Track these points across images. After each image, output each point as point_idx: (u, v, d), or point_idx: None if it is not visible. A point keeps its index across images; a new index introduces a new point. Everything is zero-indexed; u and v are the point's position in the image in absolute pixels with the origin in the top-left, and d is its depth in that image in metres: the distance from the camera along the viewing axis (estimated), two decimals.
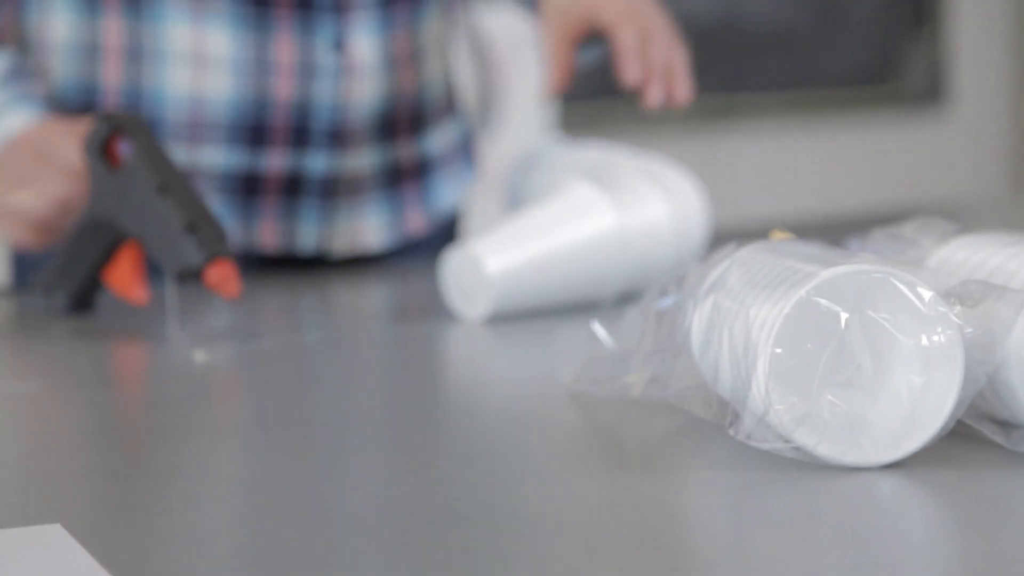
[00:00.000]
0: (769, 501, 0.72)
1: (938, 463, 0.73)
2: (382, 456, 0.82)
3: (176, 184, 1.09)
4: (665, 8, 1.34)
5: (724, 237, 0.91)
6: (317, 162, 1.31)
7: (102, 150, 1.12)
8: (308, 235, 1.33)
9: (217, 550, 0.67)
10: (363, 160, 1.35)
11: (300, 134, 1.30)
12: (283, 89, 1.28)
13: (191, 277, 1.07)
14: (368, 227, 1.36)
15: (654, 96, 1.27)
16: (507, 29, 2.79)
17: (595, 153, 1.30)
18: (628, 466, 0.79)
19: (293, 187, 1.31)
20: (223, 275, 1.06)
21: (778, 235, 0.98)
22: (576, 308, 1.14)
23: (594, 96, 2.91)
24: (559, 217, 1.16)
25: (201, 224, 1.07)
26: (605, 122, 3.10)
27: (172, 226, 1.07)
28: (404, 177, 1.38)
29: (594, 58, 1.33)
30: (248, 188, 1.30)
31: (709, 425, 0.80)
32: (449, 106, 1.44)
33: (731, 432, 0.75)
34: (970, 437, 0.75)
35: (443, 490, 0.74)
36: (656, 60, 1.28)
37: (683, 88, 1.29)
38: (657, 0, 1.33)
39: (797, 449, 0.73)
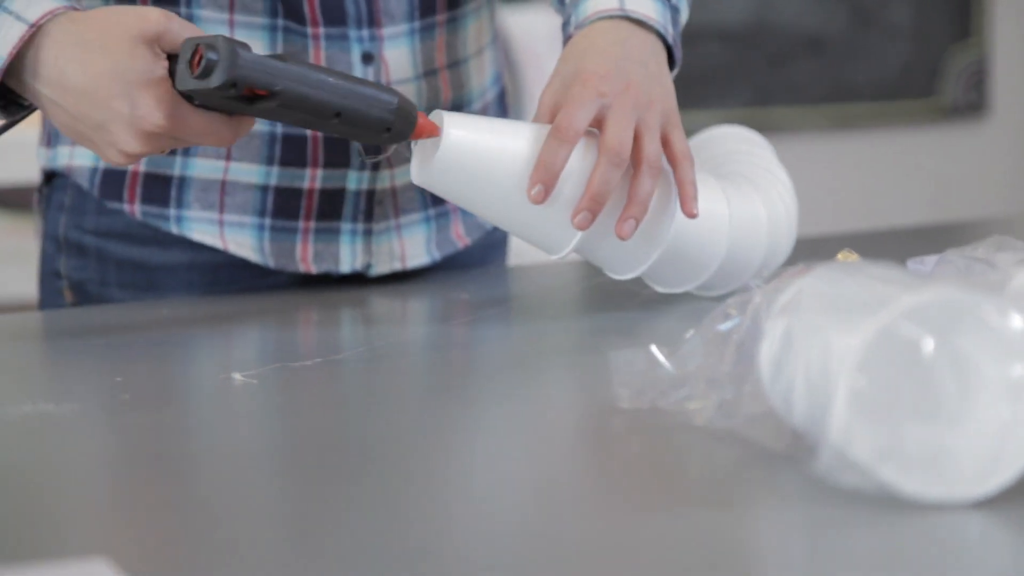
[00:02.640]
0: (847, 540, 0.68)
1: None
2: (430, 483, 0.79)
3: (343, 103, 1.05)
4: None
5: None
6: (356, 179, 1.28)
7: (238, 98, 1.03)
8: (348, 255, 1.29)
9: None
10: (405, 176, 1.31)
11: (336, 150, 1.27)
12: None
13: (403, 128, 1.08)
14: (411, 243, 1.32)
15: (626, 228, 1.12)
16: (530, 29, 2.76)
17: (731, 144, 1.26)
18: (693, 500, 0.75)
19: (332, 206, 1.28)
20: (427, 121, 1.08)
21: (845, 256, 0.94)
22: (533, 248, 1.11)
23: None
24: (538, 130, 1.11)
25: (395, 114, 1.07)
26: None
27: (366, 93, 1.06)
28: None
29: None
30: (285, 207, 1.26)
31: (779, 457, 0.76)
32: (500, 108, 1.41)
33: (807, 465, 0.71)
34: None
35: (494, 522, 0.71)
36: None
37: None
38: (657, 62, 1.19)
39: (878, 484, 0.69)
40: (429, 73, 1.31)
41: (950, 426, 0.69)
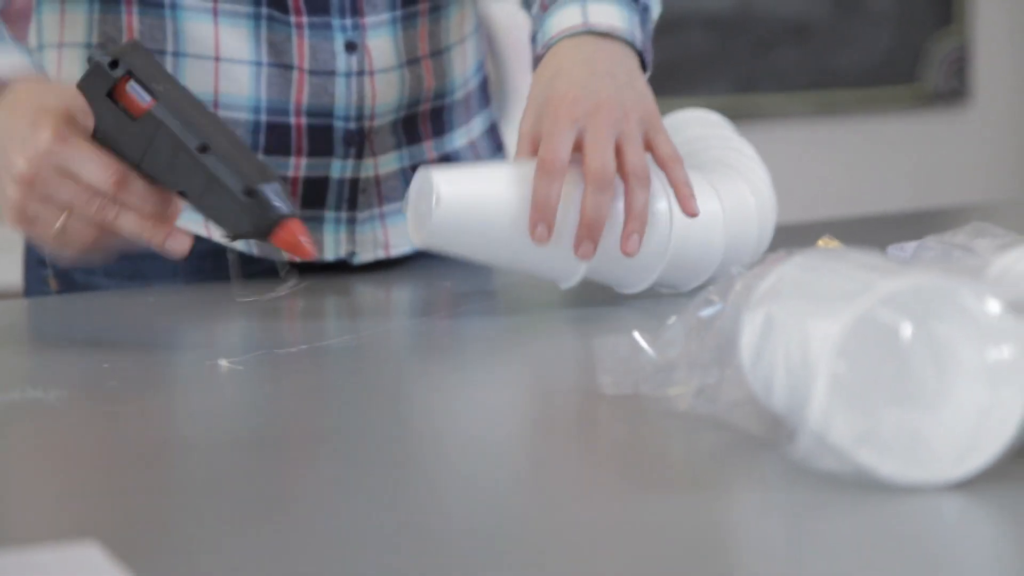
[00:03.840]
0: (827, 523, 0.69)
1: (1004, 482, 0.70)
2: (416, 469, 0.79)
3: (218, 139, 1.00)
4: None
5: None
6: (340, 167, 1.29)
7: (110, 94, 1.01)
8: (331, 243, 1.30)
9: (256, 569, 0.64)
10: (389, 165, 1.32)
11: (321, 139, 1.28)
12: (300, 93, 1.26)
13: (256, 237, 1.00)
14: (395, 232, 1.33)
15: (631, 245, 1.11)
16: (514, 17, 2.76)
17: (696, 130, 1.26)
18: (675, 485, 0.76)
19: (316, 194, 1.29)
20: (294, 235, 0.99)
21: (825, 243, 0.95)
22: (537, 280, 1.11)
23: None
24: (528, 171, 1.11)
25: (260, 184, 0.99)
26: None
27: (226, 189, 0.99)
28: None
29: None
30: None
31: (760, 442, 0.77)
32: (483, 97, 1.42)
33: (786, 450, 0.72)
34: None
35: (478, 506, 0.71)
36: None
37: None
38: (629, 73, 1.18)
39: (857, 469, 0.70)
40: (412, 62, 1.31)
41: (928, 411, 0.69)
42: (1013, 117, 3.75)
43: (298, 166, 1.27)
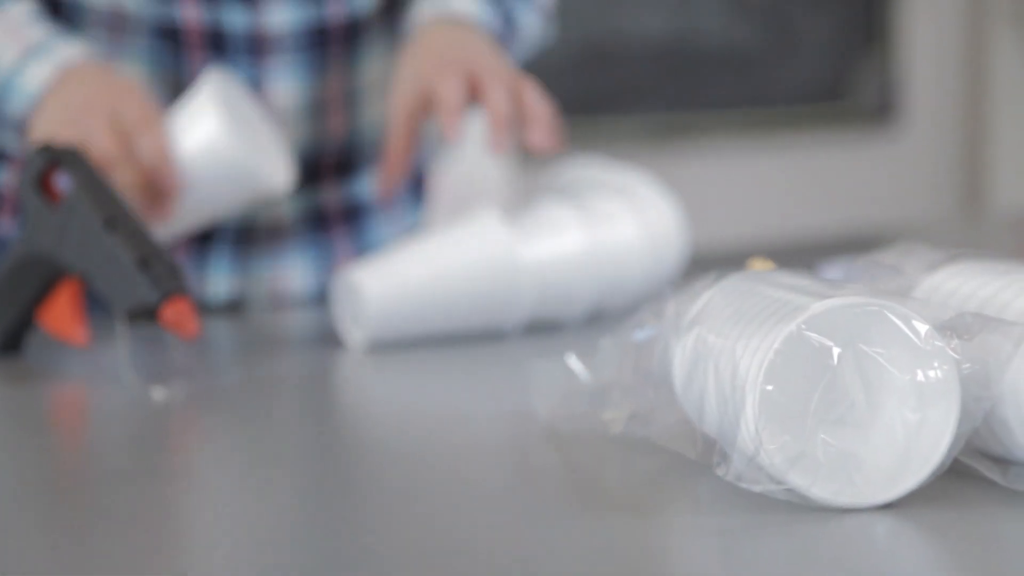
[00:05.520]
0: (760, 545, 0.69)
1: (934, 502, 0.71)
2: (347, 498, 0.79)
3: (123, 218, 1.05)
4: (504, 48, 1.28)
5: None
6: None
7: (38, 184, 1.07)
8: (219, 284, 1.29)
9: None
10: (282, 206, 1.31)
11: None
12: None
13: (145, 316, 1.03)
14: (290, 274, 1.32)
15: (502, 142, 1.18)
16: None
17: (576, 171, 1.27)
18: (609, 508, 0.76)
19: (204, 234, 1.28)
20: (180, 314, 1.02)
21: (758, 264, 0.95)
22: (479, 335, 1.13)
23: None
24: (445, 243, 1.14)
25: (154, 260, 1.03)
26: None
27: (122, 263, 1.02)
28: (332, 222, 1.34)
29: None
30: None
31: (694, 464, 0.77)
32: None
33: (719, 472, 0.72)
34: (966, 475, 0.72)
35: (409, 534, 0.71)
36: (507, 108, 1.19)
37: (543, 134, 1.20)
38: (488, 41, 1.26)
39: (789, 490, 0.70)
40: (318, 106, 1.30)
41: (858, 431, 0.70)
42: (941, 134, 3.79)
43: None
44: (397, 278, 1.12)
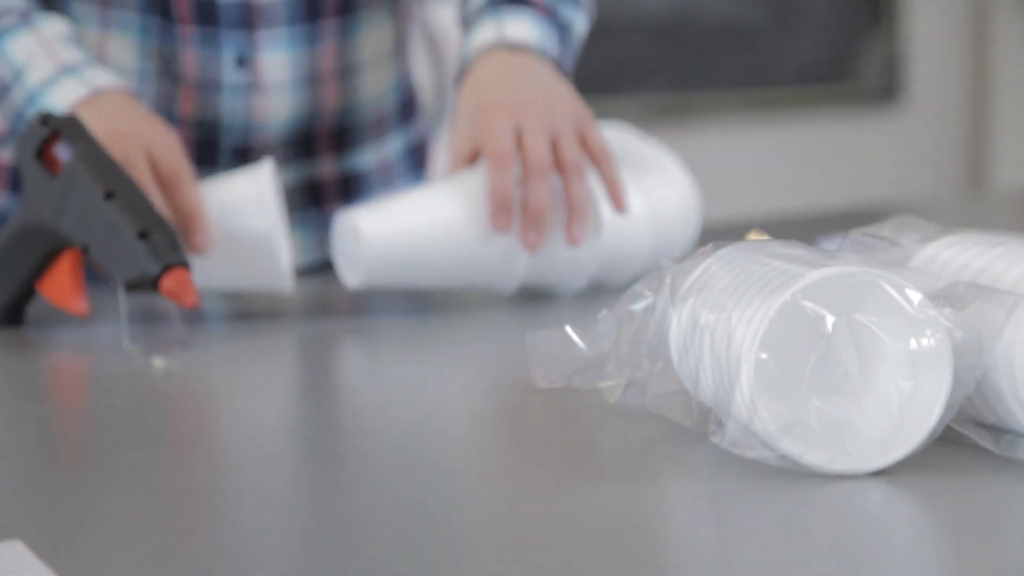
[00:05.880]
0: (754, 511, 0.70)
1: (926, 469, 0.72)
2: (346, 465, 0.80)
3: (124, 189, 1.05)
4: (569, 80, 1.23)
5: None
6: None
7: (39, 154, 1.07)
8: None
9: (182, 565, 0.64)
10: (279, 178, 1.31)
11: (207, 151, 1.27)
12: (187, 104, 1.25)
13: (144, 286, 1.03)
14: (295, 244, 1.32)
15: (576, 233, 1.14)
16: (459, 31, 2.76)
17: (610, 135, 1.27)
18: (606, 475, 0.77)
19: None
20: (179, 284, 1.02)
21: (755, 236, 0.96)
22: (476, 292, 1.13)
23: None
24: (450, 190, 1.14)
25: (154, 231, 1.03)
26: None
27: (123, 234, 1.03)
28: (327, 195, 1.35)
29: None
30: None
31: (689, 432, 0.78)
32: (403, 115, 1.40)
33: (714, 440, 0.73)
34: (958, 443, 0.73)
35: (406, 500, 0.72)
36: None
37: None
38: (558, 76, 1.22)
39: (783, 457, 0.71)
40: (311, 79, 1.29)
41: (852, 399, 0.70)
42: (945, 115, 3.79)
43: None
44: (398, 222, 1.12)
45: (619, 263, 1.19)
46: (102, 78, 1.17)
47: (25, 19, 1.19)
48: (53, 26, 1.19)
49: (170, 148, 1.13)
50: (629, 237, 1.18)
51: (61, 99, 1.15)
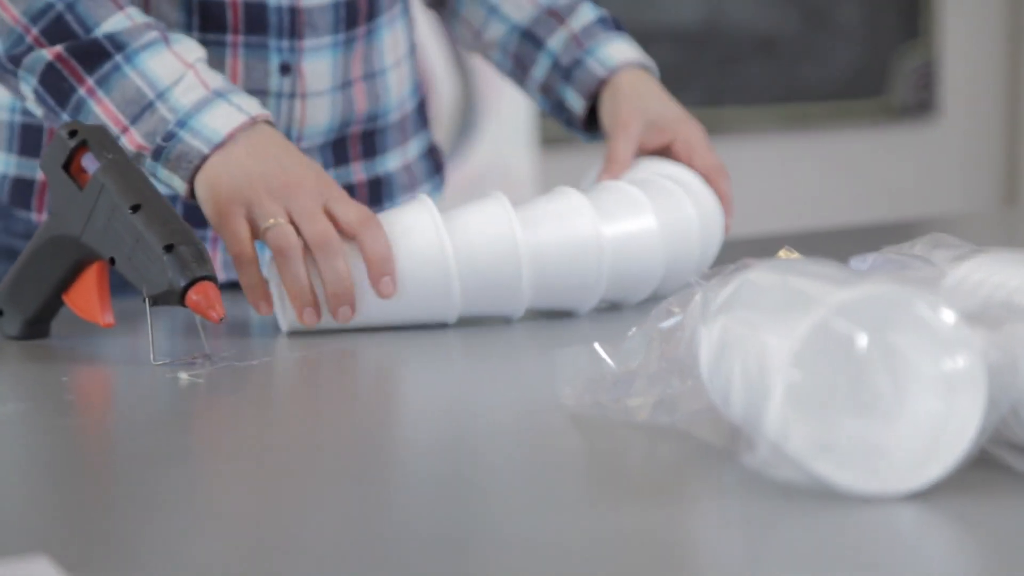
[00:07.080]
0: (785, 533, 0.69)
1: (960, 492, 0.70)
2: (375, 481, 0.79)
3: (151, 202, 1.04)
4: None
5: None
6: None
7: (67, 165, 1.07)
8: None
9: None
10: None
11: None
12: None
13: (170, 300, 1.03)
14: None
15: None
16: None
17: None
18: (634, 494, 0.76)
19: None
20: (206, 298, 1.02)
21: (785, 254, 0.95)
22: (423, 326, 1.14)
23: None
24: (453, 222, 1.14)
25: (180, 244, 1.03)
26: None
27: (149, 247, 1.03)
28: (358, 198, 1.36)
29: None
30: (191, 218, 1.25)
31: (719, 451, 0.77)
32: (420, 117, 1.42)
33: (744, 460, 0.72)
34: (993, 465, 0.72)
35: (435, 519, 0.71)
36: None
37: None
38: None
39: (814, 479, 0.70)
40: (345, 84, 1.31)
41: (884, 421, 0.69)
42: (979, 130, 3.77)
43: None
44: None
45: (632, 285, 1.18)
46: (253, 105, 1.15)
47: (164, 37, 1.16)
48: (192, 48, 1.17)
49: (340, 191, 1.12)
50: (639, 257, 1.17)
51: (219, 123, 1.13)
